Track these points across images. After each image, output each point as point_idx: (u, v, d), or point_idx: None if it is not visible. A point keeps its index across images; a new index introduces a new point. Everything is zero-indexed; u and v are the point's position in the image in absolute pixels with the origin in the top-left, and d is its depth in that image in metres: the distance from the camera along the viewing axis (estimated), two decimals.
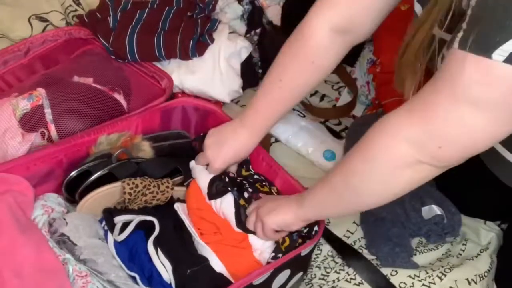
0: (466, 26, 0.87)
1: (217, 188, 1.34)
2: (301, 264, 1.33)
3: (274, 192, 1.40)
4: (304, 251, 1.26)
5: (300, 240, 1.29)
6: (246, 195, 1.34)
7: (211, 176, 1.36)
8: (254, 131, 1.36)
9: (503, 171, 1.34)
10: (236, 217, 1.31)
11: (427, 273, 1.37)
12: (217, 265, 1.27)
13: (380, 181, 1.04)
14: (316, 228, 1.28)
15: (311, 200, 1.19)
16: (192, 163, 1.43)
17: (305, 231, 1.29)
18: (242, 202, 1.33)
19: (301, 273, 1.35)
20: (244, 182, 1.39)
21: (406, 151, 0.96)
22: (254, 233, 1.30)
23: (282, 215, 1.23)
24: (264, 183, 1.41)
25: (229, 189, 1.34)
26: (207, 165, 1.40)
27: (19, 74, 1.69)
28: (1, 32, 1.77)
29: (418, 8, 1.14)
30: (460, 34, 0.88)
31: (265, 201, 1.30)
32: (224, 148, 1.37)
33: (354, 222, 1.50)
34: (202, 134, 1.44)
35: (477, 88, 0.86)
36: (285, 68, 1.29)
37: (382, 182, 1.03)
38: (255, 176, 1.43)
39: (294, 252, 1.25)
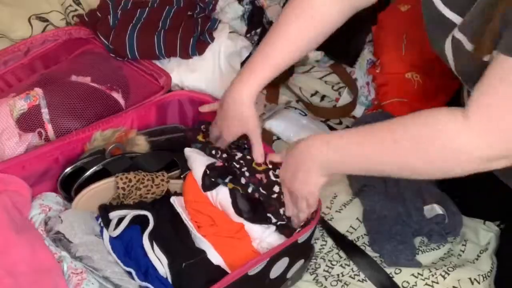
0: None
1: (210, 179, 1.32)
2: (300, 252, 1.32)
3: (274, 170, 1.36)
4: (301, 238, 1.26)
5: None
6: (243, 180, 1.32)
7: (205, 165, 1.34)
8: (248, 89, 1.30)
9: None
10: (234, 207, 1.30)
11: (430, 271, 1.37)
12: (215, 258, 1.27)
13: (436, 178, 1.09)
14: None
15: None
16: (187, 151, 1.41)
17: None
18: (230, 186, 1.31)
19: (302, 261, 1.34)
20: (241, 162, 1.36)
21: (492, 166, 0.99)
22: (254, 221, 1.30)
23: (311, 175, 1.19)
24: (259, 163, 1.37)
25: (219, 182, 1.32)
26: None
27: (19, 74, 1.69)
28: (1, 32, 1.77)
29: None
30: None
31: (288, 181, 1.24)
32: (229, 118, 1.33)
33: (357, 219, 1.50)
34: (196, 126, 1.44)
35: None
36: (285, 22, 1.28)
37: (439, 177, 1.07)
38: (248, 157, 1.39)
39: (290, 239, 1.25)
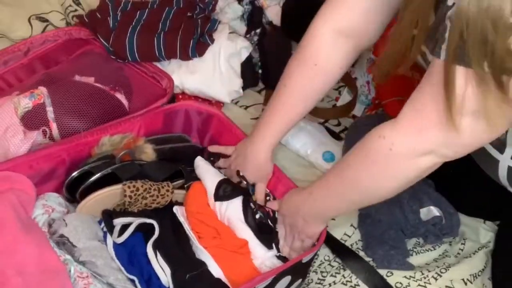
0: (448, 36, 0.90)
1: (224, 191, 1.33)
2: (301, 271, 1.33)
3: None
4: (305, 258, 1.27)
5: None
6: (252, 206, 1.33)
7: (219, 177, 1.36)
8: (265, 145, 1.36)
9: (489, 165, 1.35)
10: (245, 217, 1.31)
11: (423, 274, 1.39)
12: (215, 270, 1.26)
13: (393, 189, 1.12)
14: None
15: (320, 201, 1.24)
16: (198, 160, 1.42)
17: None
18: (254, 198, 1.34)
19: (300, 280, 1.35)
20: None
21: (423, 163, 1.03)
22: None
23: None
24: (267, 199, 1.41)
25: (240, 192, 1.33)
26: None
27: (19, 74, 1.69)
28: (1, 32, 1.78)
29: None
30: (444, 46, 0.91)
31: (289, 229, 1.32)
32: (248, 164, 1.39)
33: (351, 225, 1.50)
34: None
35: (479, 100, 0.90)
36: (289, 73, 1.30)
37: (396, 188, 1.12)
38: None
39: (296, 258, 1.26)
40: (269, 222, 1.32)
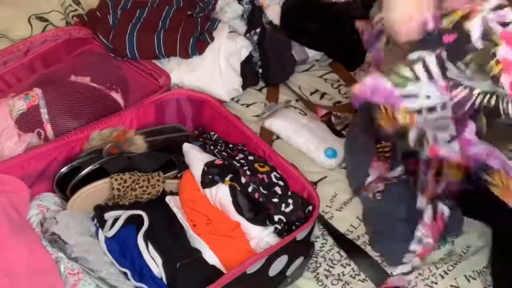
0: None
1: (211, 176, 1.32)
2: (299, 249, 1.32)
3: (276, 172, 1.38)
4: (299, 236, 1.26)
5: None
6: (243, 180, 1.32)
7: (205, 161, 1.34)
8: None
9: None
10: (235, 204, 1.30)
11: (431, 271, 1.39)
12: (210, 257, 1.26)
13: None
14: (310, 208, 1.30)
15: None
16: (186, 146, 1.42)
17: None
18: (227, 183, 1.31)
19: (302, 258, 1.34)
20: (243, 161, 1.37)
21: None
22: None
23: None
24: (262, 164, 1.39)
25: (216, 179, 1.32)
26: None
27: (19, 74, 1.68)
28: (1, 32, 1.78)
29: None
30: None
31: None
32: None
33: (357, 217, 1.51)
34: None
35: None
36: None
37: None
38: (250, 157, 1.41)
39: (288, 237, 1.25)
40: (262, 190, 1.32)
